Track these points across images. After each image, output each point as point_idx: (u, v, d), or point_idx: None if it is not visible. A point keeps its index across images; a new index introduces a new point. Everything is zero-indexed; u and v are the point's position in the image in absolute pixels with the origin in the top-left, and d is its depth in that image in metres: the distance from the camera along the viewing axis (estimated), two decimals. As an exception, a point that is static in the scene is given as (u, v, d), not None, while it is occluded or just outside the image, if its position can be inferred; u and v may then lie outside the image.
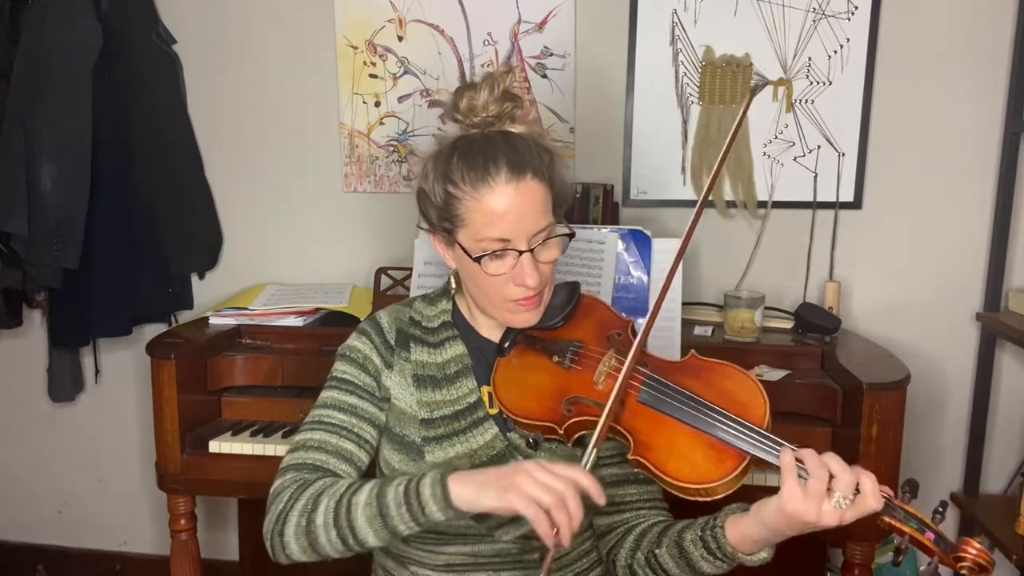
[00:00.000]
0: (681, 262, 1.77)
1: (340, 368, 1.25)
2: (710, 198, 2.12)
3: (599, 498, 0.97)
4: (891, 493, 0.97)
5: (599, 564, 1.28)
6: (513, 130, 1.16)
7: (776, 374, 1.78)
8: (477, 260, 1.11)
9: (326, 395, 1.23)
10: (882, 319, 2.12)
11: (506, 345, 1.22)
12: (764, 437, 1.03)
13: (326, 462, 1.16)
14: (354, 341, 1.26)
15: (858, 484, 0.95)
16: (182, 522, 1.87)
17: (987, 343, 2.07)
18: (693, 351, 1.18)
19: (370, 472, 1.27)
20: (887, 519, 0.96)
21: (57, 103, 2.03)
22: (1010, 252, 2.03)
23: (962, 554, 0.93)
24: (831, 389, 1.71)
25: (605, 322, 1.25)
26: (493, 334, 1.25)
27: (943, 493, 2.16)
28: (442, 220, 1.15)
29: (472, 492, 0.97)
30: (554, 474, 0.95)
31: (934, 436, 2.15)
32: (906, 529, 0.95)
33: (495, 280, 1.13)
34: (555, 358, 1.19)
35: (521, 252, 1.11)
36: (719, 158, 1.21)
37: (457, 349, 1.24)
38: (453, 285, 1.27)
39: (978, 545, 0.93)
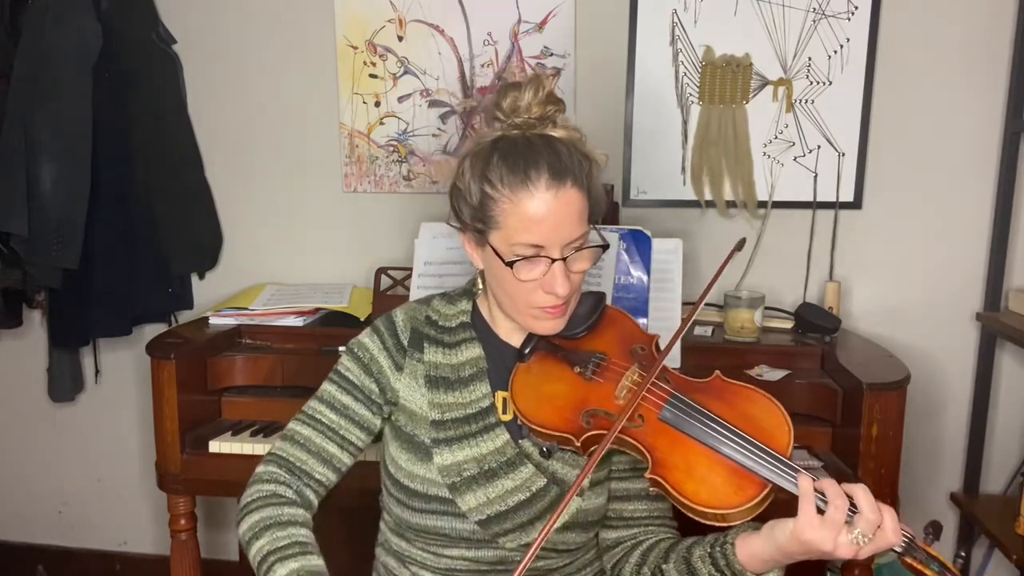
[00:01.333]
0: (681, 262, 1.79)
1: (345, 363, 1.24)
2: (709, 198, 2.12)
3: None
4: (912, 533, 0.96)
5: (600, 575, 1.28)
6: (555, 134, 1.13)
7: (776, 374, 1.78)
8: (509, 264, 1.09)
9: (325, 388, 1.24)
10: (882, 319, 2.12)
11: (527, 351, 1.19)
12: (787, 466, 1.00)
13: (306, 463, 1.19)
14: (365, 338, 1.25)
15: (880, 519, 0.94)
16: (182, 522, 1.87)
17: (987, 343, 2.07)
18: (718, 372, 1.15)
19: (371, 472, 1.28)
20: (908, 559, 0.95)
21: (57, 103, 2.03)
22: (1010, 252, 2.03)
23: None
24: (831, 389, 1.71)
25: (629, 336, 1.22)
26: (513, 338, 1.23)
27: (943, 493, 2.16)
28: (475, 220, 1.13)
29: None
30: None
31: (934, 436, 2.15)
32: (927, 572, 0.94)
33: (524, 286, 1.11)
34: (576, 368, 1.17)
35: (554, 260, 1.09)
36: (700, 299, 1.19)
37: (474, 351, 1.22)
38: (480, 285, 1.24)
39: None
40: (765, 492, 1.00)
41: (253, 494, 1.15)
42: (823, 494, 0.96)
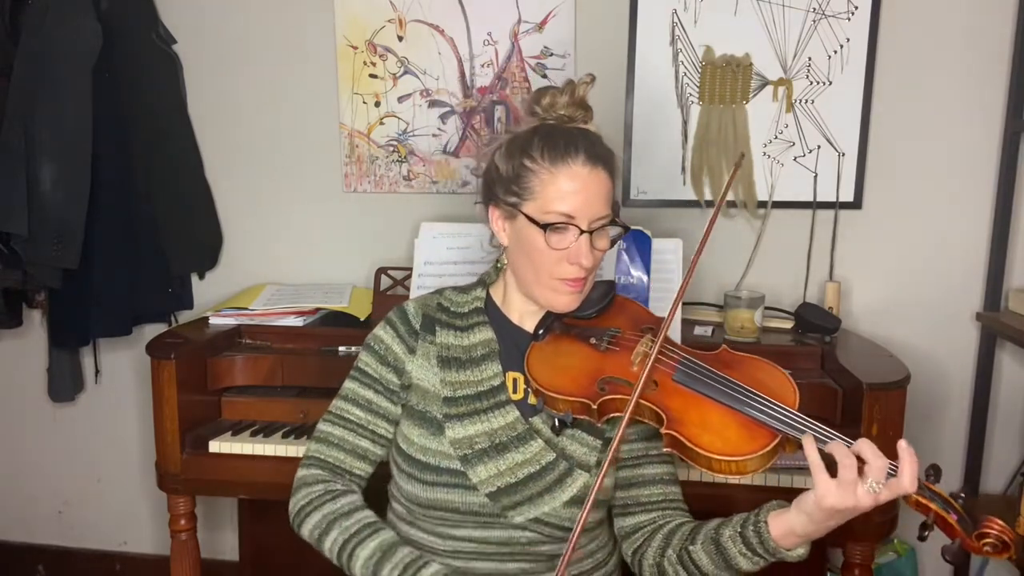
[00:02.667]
0: (681, 262, 1.79)
1: (363, 359, 1.29)
2: (709, 198, 2.12)
3: None
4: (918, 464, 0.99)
5: (603, 565, 1.29)
6: (588, 128, 1.24)
7: (776, 374, 1.77)
8: (544, 228, 1.16)
9: (348, 386, 1.29)
10: (882, 319, 2.12)
11: (540, 332, 1.25)
12: (796, 417, 1.06)
13: (344, 461, 1.26)
14: (379, 330, 1.30)
15: (896, 468, 0.98)
16: (182, 522, 1.87)
17: (987, 343, 2.07)
18: (725, 345, 1.23)
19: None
20: (914, 497, 0.98)
21: (57, 103, 2.03)
22: (1010, 252, 2.03)
23: (985, 530, 0.95)
24: (831, 389, 1.71)
25: (638, 318, 1.29)
26: (525, 323, 1.29)
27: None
28: (508, 194, 1.20)
29: None
30: None
31: (934, 436, 2.15)
32: (932, 507, 0.97)
33: (552, 255, 1.17)
34: (592, 340, 1.23)
35: (582, 231, 1.16)
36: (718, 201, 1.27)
37: (486, 334, 1.27)
38: (505, 262, 1.29)
39: (1001, 523, 0.95)
40: (776, 441, 1.06)
41: (306, 496, 1.22)
42: (832, 458, 1.00)
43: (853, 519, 1.39)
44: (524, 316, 1.29)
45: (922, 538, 1.00)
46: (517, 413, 1.23)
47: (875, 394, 1.55)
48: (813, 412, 1.68)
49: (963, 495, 1.00)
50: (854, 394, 1.60)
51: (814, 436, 1.03)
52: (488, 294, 1.32)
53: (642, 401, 1.12)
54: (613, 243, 1.23)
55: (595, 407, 1.14)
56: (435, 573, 1.07)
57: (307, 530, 1.20)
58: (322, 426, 1.29)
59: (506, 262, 1.29)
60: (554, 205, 1.16)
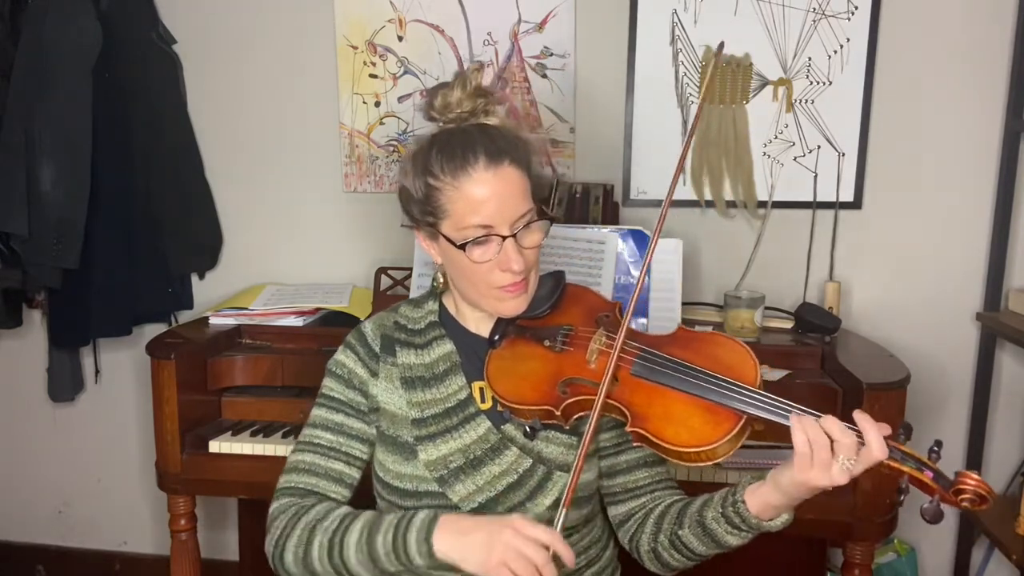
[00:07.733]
0: (681, 262, 1.79)
1: (328, 384, 1.26)
2: (709, 198, 2.12)
3: (570, 562, 1.02)
4: (890, 431, 0.99)
5: (596, 561, 1.29)
6: (488, 122, 1.18)
7: (776, 374, 1.77)
8: (462, 247, 1.13)
9: (315, 413, 1.25)
10: (882, 319, 2.12)
11: (496, 338, 1.23)
12: (758, 395, 1.05)
13: (316, 485, 1.20)
14: (340, 355, 1.27)
15: (862, 436, 0.98)
16: (182, 522, 1.87)
17: (987, 343, 2.07)
18: (680, 324, 1.22)
19: (364, 476, 1.28)
20: (886, 461, 0.98)
21: (57, 103, 2.03)
22: (1010, 252, 2.03)
23: (961, 487, 0.94)
24: (831, 389, 1.71)
25: (592, 307, 1.27)
26: (482, 329, 1.26)
27: (943, 493, 2.16)
28: (424, 214, 1.16)
29: (454, 553, 1.03)
30: (529, 541, 0.99)
31: (934, 436, 2.13)
32: (905, 469, 0.97)
33: (481, 267, 1.14)
34: (546, 343, 1.20)
35: (504, 237, 1.13)
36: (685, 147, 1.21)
37: (445, 348, 1.25)
38: (440, 280, 1.28)
39: (976, 476, 0.94)
40: (742, 423, 1.05)
41: (279, 526, 1.15)
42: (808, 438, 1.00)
43: (853, 521, 1.39)
44: (479, 323, 1.26)
45: (899, 503, 1.00)
46: (488, 424, 1.20)
47: (875, 394, 1.55)
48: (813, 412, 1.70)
49: (936, 448, 0.99)
50: (854, 394, 1.60)
51: (777, 410, 1.04)
52: (442, 304, 1.29)
53: (605, 400, 1.11)
54: (545, 235, 1.19)
55: (559, 413, 1.13)
56: (424, 519, 1.05)
57: (290, 556, 1.12)
58: (291, 457, 1.23)
59: (441, 281, 1.28)
60: (468, 219, 1.11)
